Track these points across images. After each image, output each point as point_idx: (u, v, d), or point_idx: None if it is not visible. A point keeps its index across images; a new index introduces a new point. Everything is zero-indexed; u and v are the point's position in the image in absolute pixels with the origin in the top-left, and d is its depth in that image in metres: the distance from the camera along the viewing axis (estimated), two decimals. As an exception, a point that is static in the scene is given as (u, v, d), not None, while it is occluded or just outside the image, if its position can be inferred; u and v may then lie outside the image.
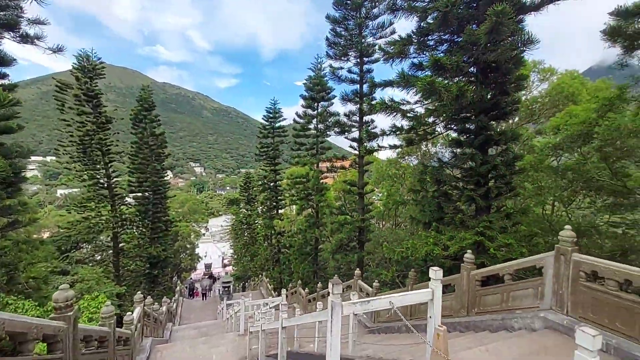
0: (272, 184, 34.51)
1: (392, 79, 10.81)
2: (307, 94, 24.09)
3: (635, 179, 10.17)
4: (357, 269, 13.70)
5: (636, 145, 9.25)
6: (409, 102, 10.69)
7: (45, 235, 31.55)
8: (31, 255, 15.37)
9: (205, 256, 71.93)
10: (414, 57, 10.41)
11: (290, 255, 27.97)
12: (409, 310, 10.60)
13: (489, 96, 10.03)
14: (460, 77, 9.87)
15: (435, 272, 4.93)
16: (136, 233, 30.70)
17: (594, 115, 9.93)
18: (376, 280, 12.02)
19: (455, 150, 10.76)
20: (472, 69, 10.19)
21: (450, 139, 11.68)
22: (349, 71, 17.52)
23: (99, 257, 30.86)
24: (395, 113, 10.54)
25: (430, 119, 11.19)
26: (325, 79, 23.61)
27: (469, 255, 8.43)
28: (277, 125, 34.52)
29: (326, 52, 17.42)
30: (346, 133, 17.76)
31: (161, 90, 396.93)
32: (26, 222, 13.86)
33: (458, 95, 8.22)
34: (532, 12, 9.65)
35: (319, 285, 17.14)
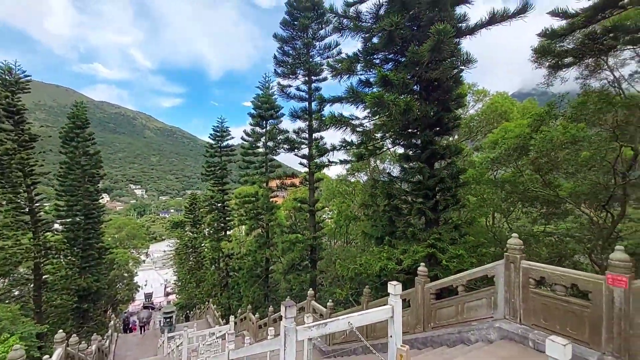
0: (219, 205, 33.05)
1: (341, 95, 10.88)
2: (255, 112, 23.72)
3: (564, 189, 11.07)
4: (310, 289, 13.17)
5: (565, 157, 10.09)
6: (357, 118, 10.78)
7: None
8: None
9: (145, 285, 66.65)
10: (362, 74, 10.62)
11: (239, 278, 26.54)
12: (365, 330, 10.24)
13: (432, 113, 10.42)
14: (406, 94, 10.15)
15: (395, 287, 4.64)
16: (63, 262, 27.33)
17: (528, 130, 10.75)
18: (330, 300, 11.59)
19: (404, 165, 10.95)
20: (416, 87, 10.57)
21: (398, 154, 11.91)
22: (298, 89, 17.50)
23: (17, 292, 26.90)
24: (345, 127, 10.51)
25: (379, 135, 11.35)
26: (274, 97, 23.52)
27: (422, 268, 8.36)
28: (224, 143, 33.59)
29: (274, 70, 17.29)
30: (296, 150, 17.49)
31: (99, 109, 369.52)
32: None
33: (405, 110, 8.37)
34: (468, 36, 10.32)
35: (270, 309, 16.20)
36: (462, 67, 9.07)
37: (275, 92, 24.25)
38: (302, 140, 17.36)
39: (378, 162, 21.41)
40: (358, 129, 10.77)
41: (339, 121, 10.14)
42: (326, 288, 18.59)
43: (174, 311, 31.97)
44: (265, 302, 22.86)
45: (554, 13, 8.26)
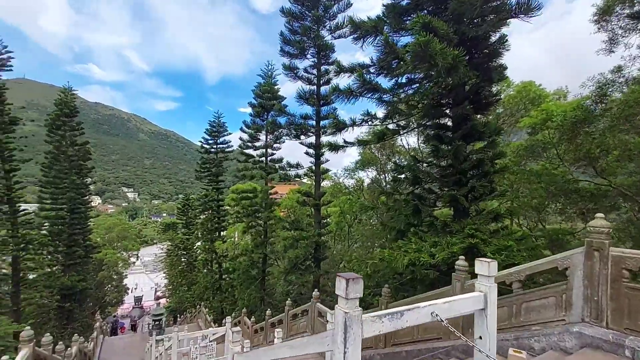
0: (214, 203, 31.36)
1: (364, 63, 9.48)
2: (256, 102, 22.44)
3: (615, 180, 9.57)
4: (315, 290, 11.64)
5: (620, 140, 8.65)
6: (383, 89, 9.34)
7: None
8: None
9: (135, 288, 64.52)
10: (390, 36, 9.14)
11: (233, 280, 24.97)
12: (384, 337, 8.52)
13: (470, 85, 9.02)
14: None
15: (489, 265, 3.16)
16: (47, 258, 25.44)
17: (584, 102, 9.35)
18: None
19: (436, 144, 9.45)
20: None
21: (426, 134, 10.45)
22: (306, 71, 16.07)
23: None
24: (372, 93, 9.05)
25: (404, 108, 9.90)
26: (277, 86, 22.38)
27: (461, 262, 6.88)
28: (221, 139, 32.17)
29: (280, 48, 15.76)
30: (302, 137, 15.99)
31: (93, 110, 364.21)
32: None
33: (451, 67, 6.93)
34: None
35: (268, 312, 14.70)
36: (520, 16, 7.54)
37: (277, 82, 23.17)
38: (309, 127, 15.92)
39: (391, 154, 20.00)
40: (384, 97, 9.30)
41: (367, 84, 8.65)
42: (330, 289, 17.04)
43: (163, 314, 30.29)
44: (261, 306, 21.26)
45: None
